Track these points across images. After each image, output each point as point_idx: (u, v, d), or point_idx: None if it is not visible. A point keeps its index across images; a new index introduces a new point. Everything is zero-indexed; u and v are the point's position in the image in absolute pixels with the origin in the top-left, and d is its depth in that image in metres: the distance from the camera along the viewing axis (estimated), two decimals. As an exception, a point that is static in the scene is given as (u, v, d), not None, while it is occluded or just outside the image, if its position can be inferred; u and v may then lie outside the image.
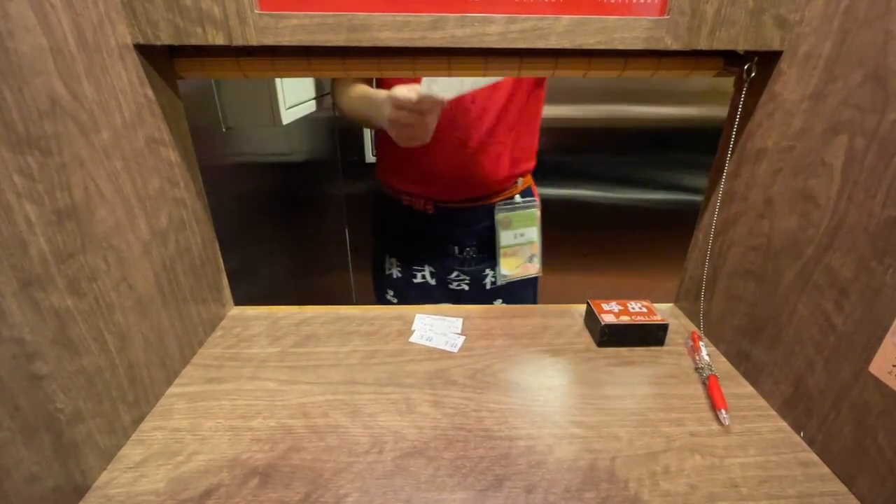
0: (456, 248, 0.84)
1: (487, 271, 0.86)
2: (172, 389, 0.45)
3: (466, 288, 0.87)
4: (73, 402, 0.33)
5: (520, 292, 0.88)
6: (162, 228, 0.43)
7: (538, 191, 0.88)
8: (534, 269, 0.86)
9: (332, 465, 0.37)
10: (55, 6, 0.31)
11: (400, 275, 0.87)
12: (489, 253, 0.85)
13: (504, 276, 0.84)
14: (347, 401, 0.44)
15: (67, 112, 0.32)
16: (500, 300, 0.87)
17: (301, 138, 1.18)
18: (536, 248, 0.86)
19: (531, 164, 0.85)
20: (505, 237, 0.82)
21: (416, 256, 0.86)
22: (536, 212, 0.84)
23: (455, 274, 0.86)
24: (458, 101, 0.71)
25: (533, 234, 0.84)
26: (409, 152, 0.70)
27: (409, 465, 0.37)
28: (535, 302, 0.93)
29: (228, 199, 0.80)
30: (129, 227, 0.39)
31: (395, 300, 0.89)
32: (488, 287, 0.86)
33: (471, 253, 0.85)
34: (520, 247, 0.84)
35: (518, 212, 0.82)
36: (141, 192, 0.40)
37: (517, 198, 0.83)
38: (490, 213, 0.81)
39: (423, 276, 0.86)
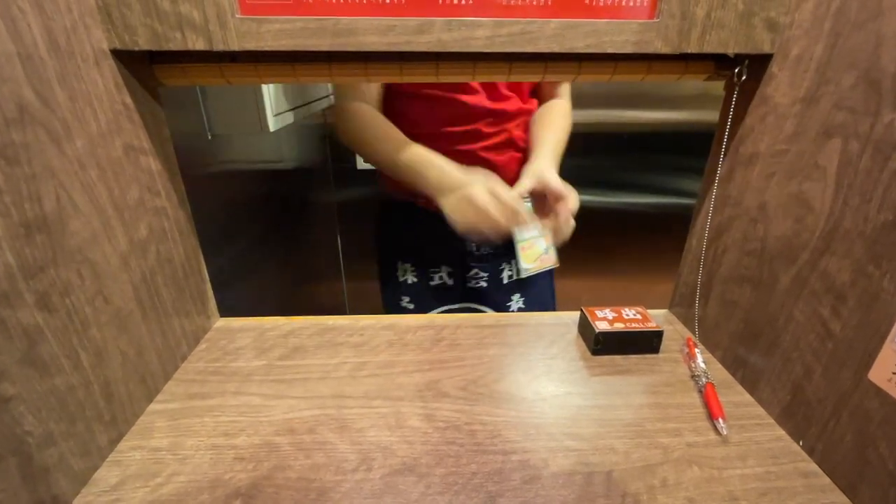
0: (473, 245, 0.84)
1: (504, 265, 0.85)
2: (153, 406, 0.43)
3: (485, 284, 0.86)
4: (42, 424, 0.31)
5: (539, 283, 0.87)
6: (141, 239, 0.42)
7: None
8: (550, 260, 0.87)
9: (319, 484, 0.35)
10: (24, 10, 0.30)
11: (416, 279, 0.85)
12: (504, 247, 0.84)
13: (526, 269, 0.84)
14: (335, 415, 0.42)
15: (37, 120, 0.31)
16: (519, 294, 0.87)
17: (290, 145, 1.17)
18: (550, 239, 0.86)
19: None
20: (519, 231, 0.83)
21: (431, 258, 0.84)
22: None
23: (474, 272, 0.85)
24: (478, 110, 0.72)
25: (536, 232, 0.85)
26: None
27: (399, 483, 0.35)
28: (553, 292, 0.92)
29: (214, 209, 0.79)
30: (105, 238, 0.37)
31: (411, 306, 0.86)
32: (505, 281, 0.86)
33: (487, 248, 0.84)
34: (534, 239, 0.85)
35: (528, 205, 0.83)
36: (119, 203, 0.39)
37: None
38: None
39: (441, 278, 0.85)
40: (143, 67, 0.42)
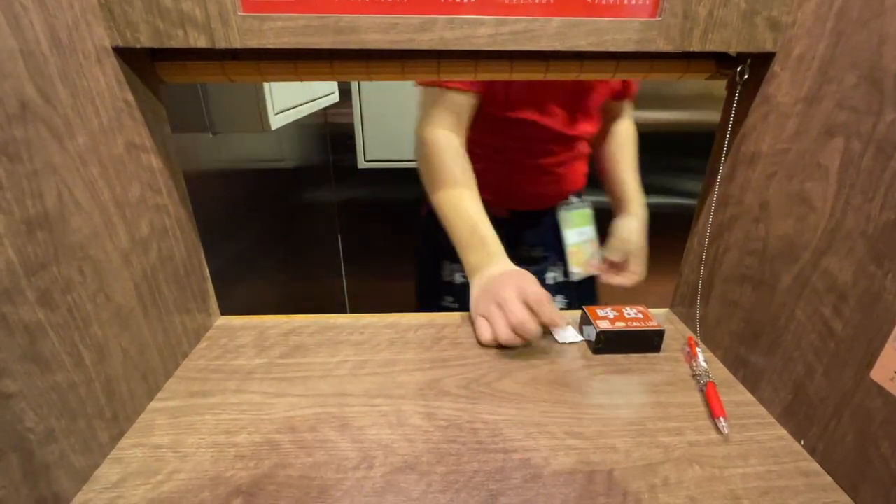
0: (525, 248, 0.85)
1: (550, 267, 0.87)
2: (154, 404, 0.43)
3: None
4: (44, 421, 0.31)
5: (583, 286, 0.88)
6: (143, 237, 0.42)
7: None
8: (596, 265, 0.88)
9: (320, 482, 0.35)
10: (27, 7, 0.30)
11: (464, 279, 0.83)
12: (553, 250, 0.87)
13: (576, 273, 0.86)
14: (336, 413, 0.42)
15: (39, 116, 0.31)
16: (562, 295, 0.88)
17: (292, 143, 1.17)
18: (596, 245, 0.89)
19: None
20: (570, 236, 0.86)
21: None
22: (590, 210, 0.88)
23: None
24: (555, 134, 0.74)
25: (591, 231, 0.88)
26: (496, 173, 0.74)
27: (400, 482, 0.35)
28: (596, 295, 0.93)
29: (216, 206, 0.79)
30: (106, 235, 0.37)
31: (455, 305, 0.87)
32: (549, 282, 0.87)
33: (539, 251, 0.86)
34: (583, 244, 0.88)
35: (576, 211, 0.87)
36: (120, 200, 0.39)
37: (572, 198, 0.87)
38: (554, 213, 0.85)
39: None
40: (144, 64, 0.42)
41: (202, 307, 0.53)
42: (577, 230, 0.86)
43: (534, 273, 0.85)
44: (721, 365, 0.50)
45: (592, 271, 0.87)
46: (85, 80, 0.35)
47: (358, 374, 0.47)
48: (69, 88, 0.33)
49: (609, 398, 0.45)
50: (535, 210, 0.85)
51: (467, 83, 0.66)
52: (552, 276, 0.87)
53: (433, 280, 0.88)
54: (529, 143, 0.76)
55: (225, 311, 0.58)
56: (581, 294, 0.89)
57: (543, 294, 0.52)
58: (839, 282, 0.36)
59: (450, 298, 0.87)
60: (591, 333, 0.52)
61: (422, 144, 0.68)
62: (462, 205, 0.63)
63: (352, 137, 1.41)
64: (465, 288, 0.84)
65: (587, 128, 0.78)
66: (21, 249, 0.29)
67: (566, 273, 0.86)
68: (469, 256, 0.61)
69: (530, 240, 0.86)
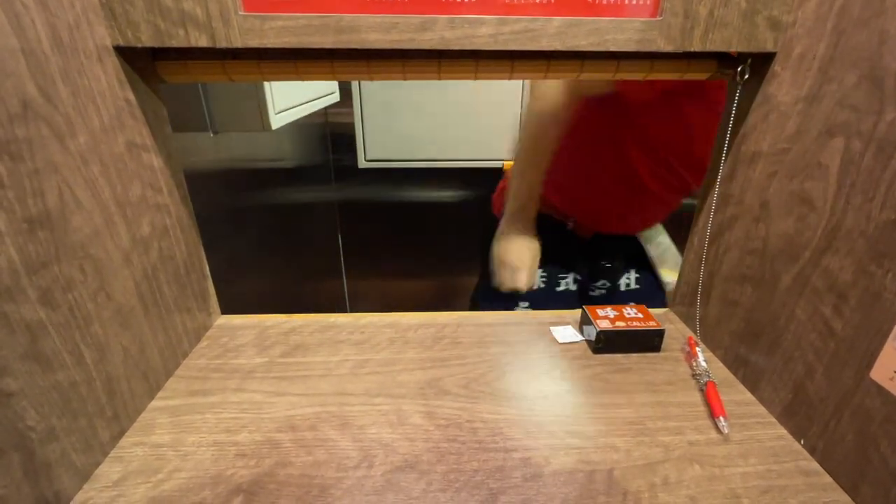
0: (603, 262, 0.87)
1: (624, 276, 0.88)
2: (154, 403, 0.43)
3: (604, 293, 0.89)
4: (45, 420, 0.31)
5: (649, 294, 0.90)
6: (144, 236, 0.42)
7: None
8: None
9: (320, 481, 0.35)
10: (28, 6, 0.30)
11: (543, 284, 0.87)
12: (631, 261, 0.88)
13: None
14: (336, 412, 0.42)
15: (40, 115, 0.31)
16: (633, 303, 0.88)
17: (292, 143, 1.17)
18: (674, 248, 0.90)
19: None
20: (652, 249, 0.88)
21: (563, 267, 0.87)
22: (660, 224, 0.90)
23: (601, 282, 0.88)
24: (682, 161, 0.74)
25: (666, 238, 0.90)
26: (612, 194, 0.78)
27: (400, 480, 0.36)
28: (663, 302, 0.94)
29: (216, 206, 0.79)
30: (107, 234, 0.37)
31: (527, 308, 0.89)
32: (622, 289, 0.89)
33: (617, 263, 0.87)
34: (664, 253, 0.89)
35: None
36: (121, 199, 0.39)
37: None
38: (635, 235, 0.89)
39: (566, 284, 0.88)
40: (145, 64, 0.42)
41: (203, 306, 0.53)
42: (654, 242, 0.88)
43: (610, 283, 0.89)
44: (721, 364, 0.50)
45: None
46: (86, 79, 0.35)
47: (358, 374, 0.47)
48: (70, 87, 0.33)
49: (609, 397, 0.45)
50: (620, 234, 0.86)
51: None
52: (625, 282, 0.88)
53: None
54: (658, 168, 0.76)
55: (225, 310, 0.58)
56: (650, 305, 0.89)
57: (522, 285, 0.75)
58: (839, 281, 0.36)
59: (524, 304, 0.88)
60: (592, 333, 0.52)
61: (530, 111, 0.74)
62: (528, 187, 0.75)
63: (352, 137, 1.41)
64: (540, 292, 0.88)
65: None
66: (22, 248, 0.29)
67: (637, 280, 0.88)
68: (511, 222, 0.77)
69: (612, 254, 0.87)
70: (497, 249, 0.77)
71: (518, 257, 0.75)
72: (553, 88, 0.69)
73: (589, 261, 0.87)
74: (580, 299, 0.88)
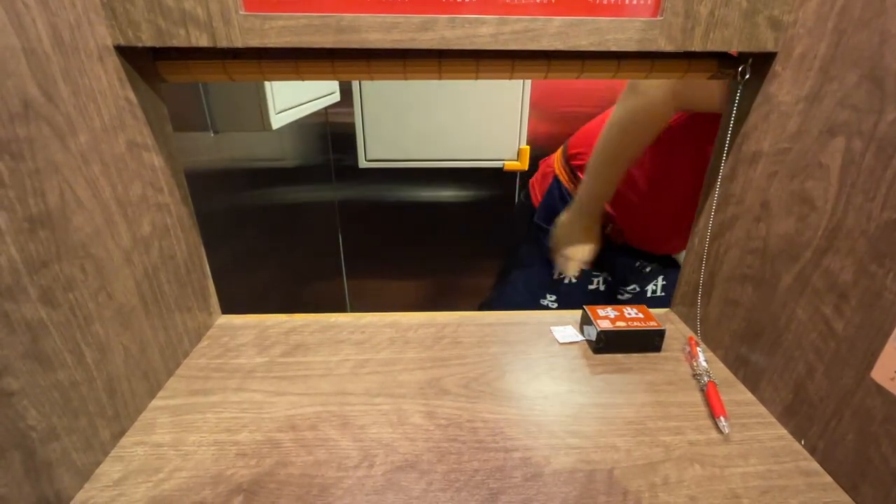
0: (639, 266, 0.87)
1: (653, 281, 0.89)
2: (155, 402, 0.43)
3: (631, 296, 0.89)
4: (46, 419, 0.31)
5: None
6: (144, 235, 0.42)
7: None
8: None
9: (321, 480, 0.35)
10: (29, 6, 0.30)
11: (575, 281, 0.88)
12: (660, 268, 0.88)
13: None
14: (337, 412, 0.42)
15: (41, 115, 0.31)
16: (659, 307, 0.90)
17: (293, 143, 1.17)
18: None
19: None
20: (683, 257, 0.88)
21: (597, 266, 0.86)
22: None
23: (632, 286, 0.89)
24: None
25: None
26: (671, 218, 0.76)
27: (401, 480, 0.36)
28: None
29: (217, 205, 0.79)
30: (108, 234, 0.37)
31: (554, 305, 0.89)
32: (649, 295, 0.89)
33: (652, 270, 0.87)
34: None
35: None
36: (122, 198, 0.39)
37: None
38: None
39: (598, 283, 0.89)
40: (146, 63, 0.42)
41: (203, 306, 0.53)
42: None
43: (640, 288, 0.90)
44: (722, 364, 0.50)
45: None
46: (87, 78, 0.35)
47: (358, 373, 0.47)
48: (71, 87, 0.33)
49: (609, 397, 0.45)
50: (663, 255, 0.87)
51: None
52: (652, 288, 0.89)
53: (538, 278, 0.90)
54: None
55: (226, 309, 0.58)
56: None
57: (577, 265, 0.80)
58: (840, 281, 0.36)
59: (552, 297, 0.89)
60: (592, 333, 0.52)
61: (627, 101, 0.71)
62: (607, 176, 0.76)
63: (352, 137, 1.41)
64: (572, 287, 0.89)
65: None
66: (23, 247, 0.29)
67: (664, 288, 0.89)
68: (579, 214, 0.80)
69: (646, 260, 0.87)
70: (558, 233, 0.81)
71: (574, 251, 0.80)
72: (659, 88, 0.64)
73: (623, 264, 0.86)
74: (607, 301, 0.89)
